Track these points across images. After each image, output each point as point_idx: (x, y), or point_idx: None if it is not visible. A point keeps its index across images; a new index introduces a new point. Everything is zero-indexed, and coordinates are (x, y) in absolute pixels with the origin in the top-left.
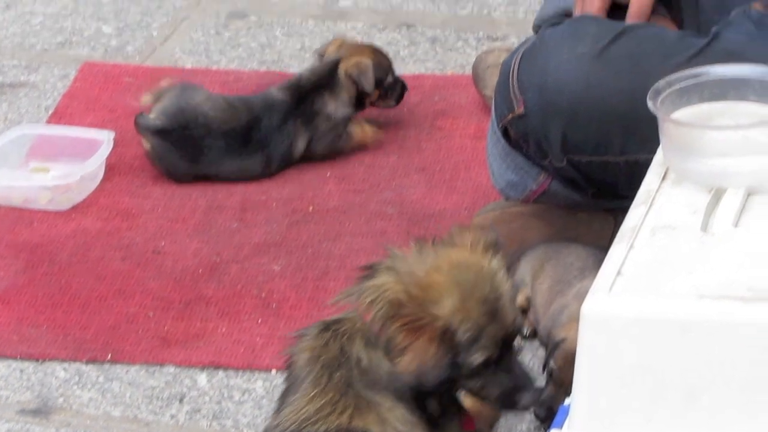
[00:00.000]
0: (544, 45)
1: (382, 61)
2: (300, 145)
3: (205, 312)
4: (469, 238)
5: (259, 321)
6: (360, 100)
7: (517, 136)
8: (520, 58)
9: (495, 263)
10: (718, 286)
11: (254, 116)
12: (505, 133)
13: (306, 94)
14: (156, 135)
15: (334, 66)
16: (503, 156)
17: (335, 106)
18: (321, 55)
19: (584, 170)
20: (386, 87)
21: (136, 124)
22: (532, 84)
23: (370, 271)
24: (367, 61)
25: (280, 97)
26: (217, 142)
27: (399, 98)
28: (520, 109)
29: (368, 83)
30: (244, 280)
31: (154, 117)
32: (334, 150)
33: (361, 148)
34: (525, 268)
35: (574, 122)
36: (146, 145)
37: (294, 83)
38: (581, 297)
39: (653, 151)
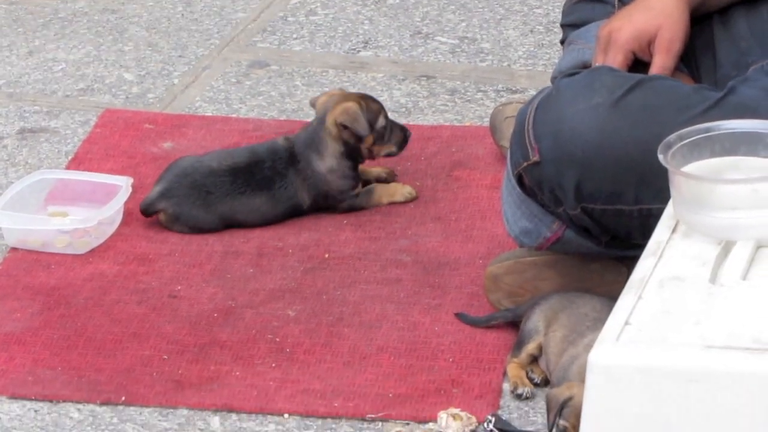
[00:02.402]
0: (559, 94)
1: (370, 105)
2: (305, 198)
3: (219, 356)
4: None
5: (273, 365)
6: (353, 151)
7: (532, 184)
8: (536, 107)
9: None
10: (725, 337)
11: (258, 158)
12: (520, 180)
13: (299, 153)
14: (163, 197)
15: (322, 123)
16: (518, 203)
17: (323, 164)
18: (312, 105)
19: (598, 218)
20: (378, 131)
21: (143, 208)
22: (548, 132)
23: None
24: (353, 105)
25: (284, 146)
26: (221, 178)
27: (401, 144)
28: (535, 157)
29: (361, 127)
30: (258, 325)
31: (155, 190)
32: (351, 208)
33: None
34: (538, 317)
35: (588, 171)
36: (162, 218)
37: (293, 138)
38: (591, 348)
39: (666, 201)
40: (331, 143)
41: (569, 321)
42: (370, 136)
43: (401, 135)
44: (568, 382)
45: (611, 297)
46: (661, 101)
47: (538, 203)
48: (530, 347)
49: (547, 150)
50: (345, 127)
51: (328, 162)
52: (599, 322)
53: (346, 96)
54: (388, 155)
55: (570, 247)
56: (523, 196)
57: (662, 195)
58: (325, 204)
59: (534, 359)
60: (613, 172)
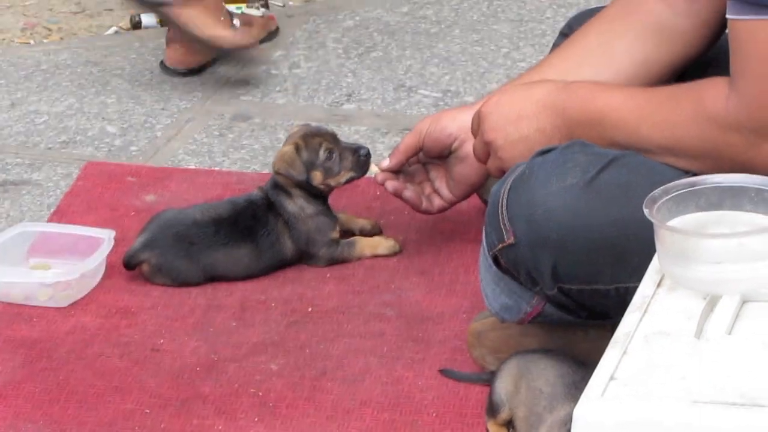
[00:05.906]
0: (532, 175)
1: (310, 142)
2: (288, 244)
3: (202, 410)
4: None
5: (256, 419)
6: (313, 189)
7: (508, 265)
8: (509, 188)
9: None
10: (711, 392)
11: (239, 209)
12: (496, 260)
13: (273, 199)
14: (146, 248)
15: None
16: (496, 280)
17: (295, 206)
18: None
19: (575, 297)
20: (320, 165)
21: (126, 260)
22: (521, 215)
23: None
24: (287, 151)
25: (260, 195)
26: (205, 229)
27: (357, 166)
28: (509, 239)
29: (297, 172)
30: (241, 378)
31: (138, 240)
32: (333, 259)
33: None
34: (501, 388)
35: (564, 253)
36: (144, 269)
37: (265, 187)
38: None
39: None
40: (290, 186)
41: (527, 398)
42: (317, 173)
43: (354, 157)
44: None
45: (580, 361)
46: (635, 178)
47: (516, 280)
48: (502, 416)
49: (521, 233)
50: (282, 173)
51: (298, 202)
52: (554, 399)
53: (290, 137)
54: (351, 181)
55: (551, 320)
56: (500, 274)
57: (639, 273)
58: (307, 250)
59: (508, 424)
60: (589, 253)
